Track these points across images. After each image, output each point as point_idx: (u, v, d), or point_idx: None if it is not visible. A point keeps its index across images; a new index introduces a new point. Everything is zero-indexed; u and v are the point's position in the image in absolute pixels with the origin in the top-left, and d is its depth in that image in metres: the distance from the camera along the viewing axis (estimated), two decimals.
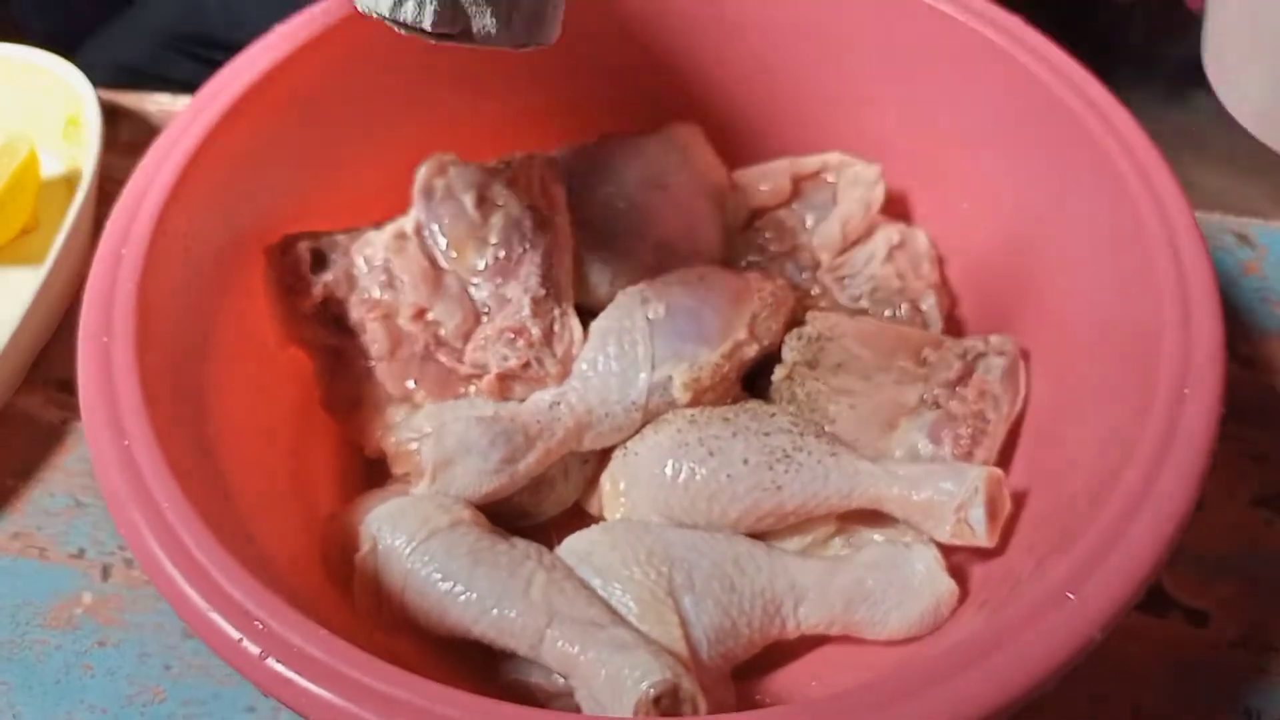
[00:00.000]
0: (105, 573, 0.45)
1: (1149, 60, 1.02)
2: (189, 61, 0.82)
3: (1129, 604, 0.31)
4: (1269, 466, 0.47)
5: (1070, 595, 0.30)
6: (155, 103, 0.62)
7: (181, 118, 0.43)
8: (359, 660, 0.30)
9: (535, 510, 0.44)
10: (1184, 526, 0.32)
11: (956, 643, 0.30)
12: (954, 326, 0.49)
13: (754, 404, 0.44)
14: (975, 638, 0.30)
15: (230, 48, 0.46)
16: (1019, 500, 0.41)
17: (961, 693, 0.29)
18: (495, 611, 0.37)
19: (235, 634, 0.30)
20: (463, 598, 0.38)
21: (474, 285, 0.46)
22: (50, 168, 0.58)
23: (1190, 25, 0.97)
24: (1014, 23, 0.46)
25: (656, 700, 0.34)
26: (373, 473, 0.46)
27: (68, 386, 0.50)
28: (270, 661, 0.30)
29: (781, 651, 0.41)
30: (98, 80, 0.57)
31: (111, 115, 0.60)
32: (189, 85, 0.45)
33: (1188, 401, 0.34)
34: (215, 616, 0.31)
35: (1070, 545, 0.32)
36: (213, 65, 0.45)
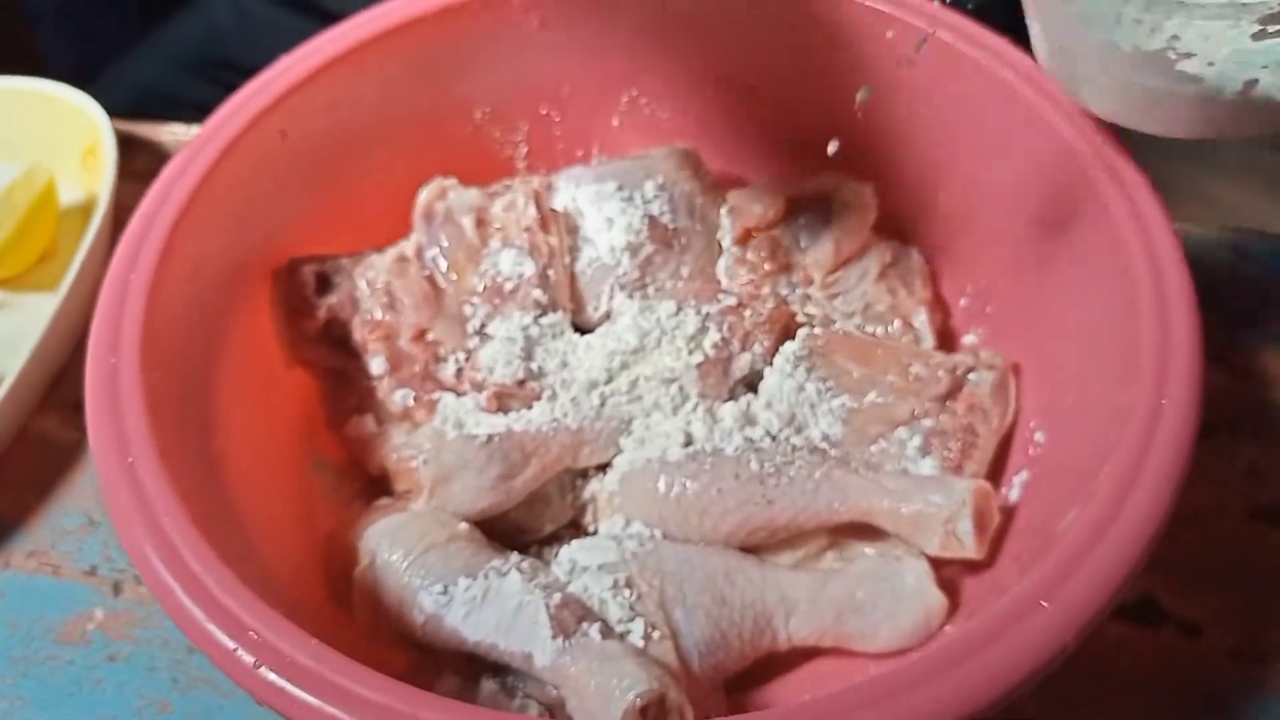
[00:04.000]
0: (116, 589, 0.47)
1: None
2: (208, 84, 0.84)
3: (1103, 612, 0.31)
4: (1262, 479, 0.47)
5: (1045, 603, 0.31)
6: (170, 132, 0.64)
7: (190, 146, 0.45)
8: (349, 669, 0.31)
9: (532, 526, 0.44)
10: (1159, 536, 0.32)
11: (931, 650, 0.31)
12: (947, 342, 0.49)
13: (745, 417, 0.44)
14: (950, 645, 0.30)
15: (247, 70, 0.48)
16: (1008, 512, 0.41)
17: (935, 699, 0.29)
18: (490, 625, 0.38)
19: (230, 644, 0.31)
20: (458, 611, 0.39)
21: (472, 305, 0.47)
22: (68, 196, 0.60)
23: None
24: (1002, 44, 0.46)
25: (643, 710, 0.35)
26: (376, 490, 0.47)
27: (82, 408, 0.51)
28: (263, 670, 0.31)
29: (774, 664, 0.41)
30: (119, 104, 0.59)
31: (127, 145, 0.62)
32: (207, 108, 0.46)
33: (1164, 413, 0.34)
34: (211, 627, 0.32)
35: (1049, 554, 0.33)
36: (230, 88, 0.47)
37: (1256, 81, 0.35)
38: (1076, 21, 0.37)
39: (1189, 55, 0.35)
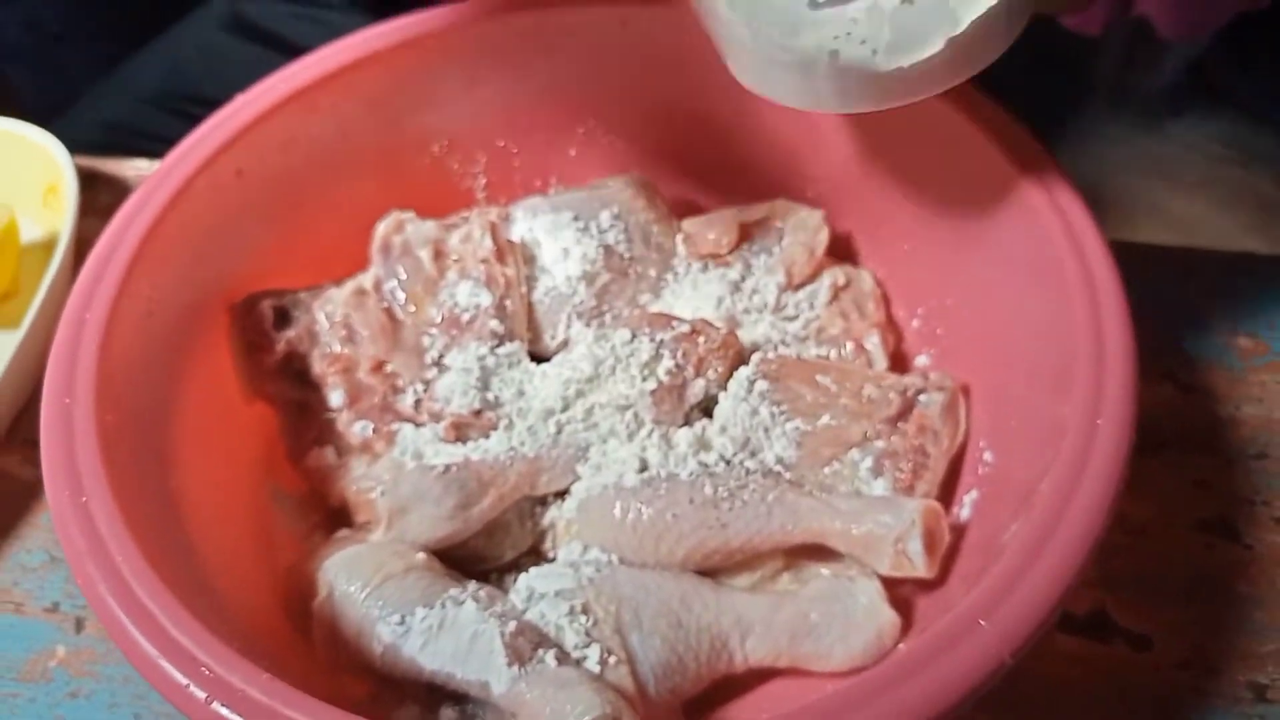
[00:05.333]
0: (79, 626, 0.47)
1: (1121, 90, 1.04)
2: (175, 119, 0.84)
3: (1040, 629, 0.32)
4: (1211, 492, 0.48)
5: (982, 622, 0.32)
6: (134, 168, 0.64)
7: (145, 185, 0.45)
8: (302, 703, 0.31)
9: (492, 554, 0.45)
10: (1094, 554, 0.33)
11: (875, 670, 0.31)
12: (899, 364, 0.50)
13: (700, 442, 0.45)
14: (889, 665, 0.31)
15: (214, 104, 0.48)
16: (959, 531, 0.42)
17: (877, 717, 0.30)
18: (446, 654, 0.39)
19: (183, 679, 0.32)
20: (415, 641, 0.39)
21: (430, 336, 0.48)
22: (30, 234, 0.60)
23: (1162, 55, 0.99)
24: None
25: None
26: (337, 522, 0.47)
27: None
28: (215, 705, 0.31)
29: (731, 686, 0.42)
30: (87, 140, 0.59)
31: (91, 181, 0.62)
32: (175, 141, 0.47)
33: (1099, 432, 0.35)
34: (164, 663, 0.32)
35: (988, 572, 0.33)
36: (196, 120, 0.47)
37: (838, 52, 0.36)
38: None
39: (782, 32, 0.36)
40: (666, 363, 0.46)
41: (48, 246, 0.60)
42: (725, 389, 0.47)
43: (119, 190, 0.63)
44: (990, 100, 0.46)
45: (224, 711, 0.31)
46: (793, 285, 0.50)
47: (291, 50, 0.50)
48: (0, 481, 0.51)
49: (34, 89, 1.01)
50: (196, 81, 0.85)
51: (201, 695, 0.31)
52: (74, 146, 0.60)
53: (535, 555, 0.46)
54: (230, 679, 0.31)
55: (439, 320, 0.48)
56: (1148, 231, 0.85)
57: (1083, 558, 0.33)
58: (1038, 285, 0.41)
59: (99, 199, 0.62)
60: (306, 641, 0.42)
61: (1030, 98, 0.47)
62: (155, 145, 0.67)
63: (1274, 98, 0.91)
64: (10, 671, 0.45)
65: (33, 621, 0.47)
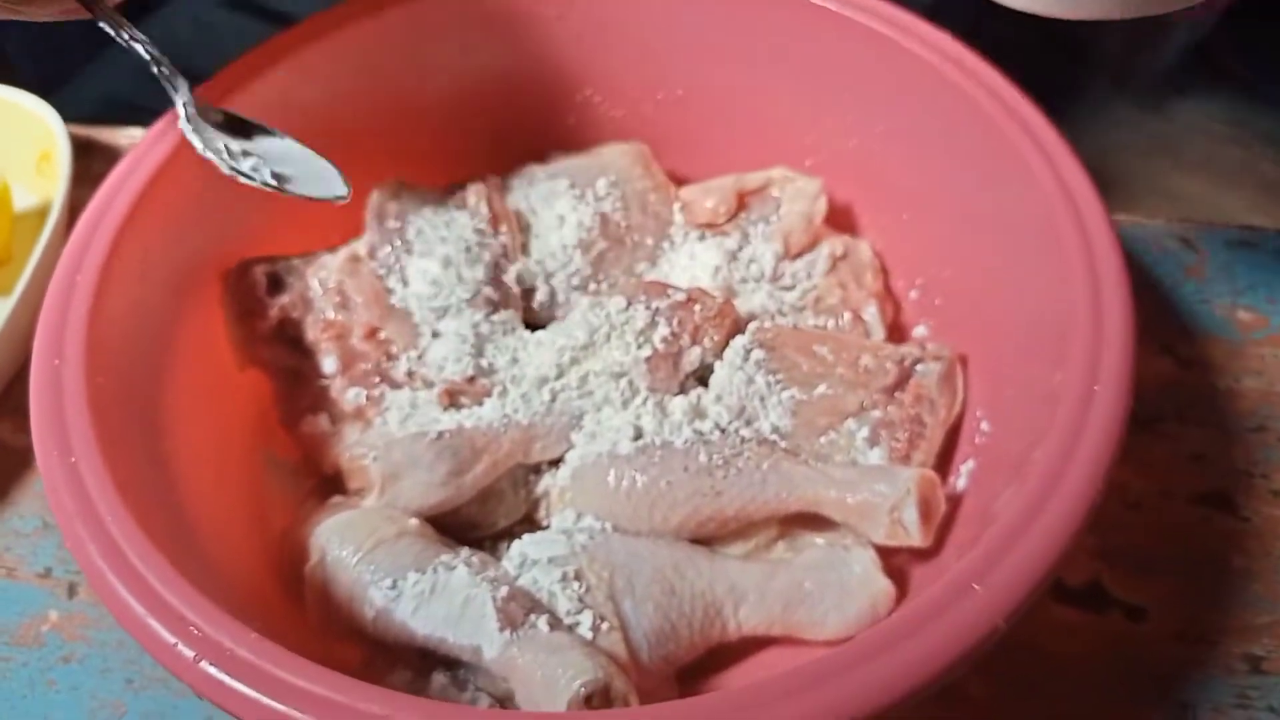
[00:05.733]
0: (71, 591, 0.47)
1: (1126, 70, 1.04)
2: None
3: (1034, 594, 0.31)
4: (1207, 465, 0.48)
5: (976, 586, 0.31)
6: (127, 136, 0.64)
7: (138, 148, 0.45)
8: (289, 662, 0.31)
9: (485, 521, 0.45)
10: (1089, 520, 0.33)
11: (868, 633, 0.31)
12: (897, 334, 0.50)
13: (695, 410, 0.45)
14: (883, 628, 0.31)
15: (205, 75, 0.48)
16: (955, 500, 0.42)
17: (870, 680, 0.30)
18: (438, 618, 0.39)
19: (171, 638, 0.31)
20: (407, 605, 0.39)
21: (424, 303, 0.47)
22: (23, 202, 0.60)
23: (1165, 35, 0.98)
24: (947, 41, 0.47)
25: (588, 699, 0.35)
26: (330, 489, 0.47)
27: None
28: (203, 664, 0.31)
29: (725, 654, 0.42)
30: (83, 114, 0.59)
31: (85, 149, 0.62)
32: None
33: (1096, 399, 0.35)
34: (153, 622, 0.32)
35: (982, 538, 0.33)
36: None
37: None
38: None
39: None
40: (662, 330, 0.45)
41: (41, 214, 0.59)
42: (721, 358, 0.46)
43: (112, 159, 0.63)
44: (993, 69, 0.45)
45: (212, 670, 0.31)
46: (790, 255, 0.50)
47: (286, 23, 0.50)
48: None
49: (31, 62, 1.01)
50: (191, 55, 0.84)
51: (190, 654, 0.31)
52: (71, 120, 0.59)
53: (528, 523, 0.45)
54: (219, 638, 0.31)
55: (434, 286, 0.47)
56: (1149, 211, 0.85)
57: (1078, 522, 0.32)
58: (1037, 255, 0.41)
59: (93, 167, 0.62)
60: (298, 608, 0.42)
61: (1034, 77, 0.46)
62: (151, 119, 0.66)
63: (1276, 78, 0.91)
64: (3, 636, 0.45)
65: (25, 586, 0.47)
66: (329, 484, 0.47)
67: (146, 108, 0.84)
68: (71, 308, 0.39)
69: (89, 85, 0.88)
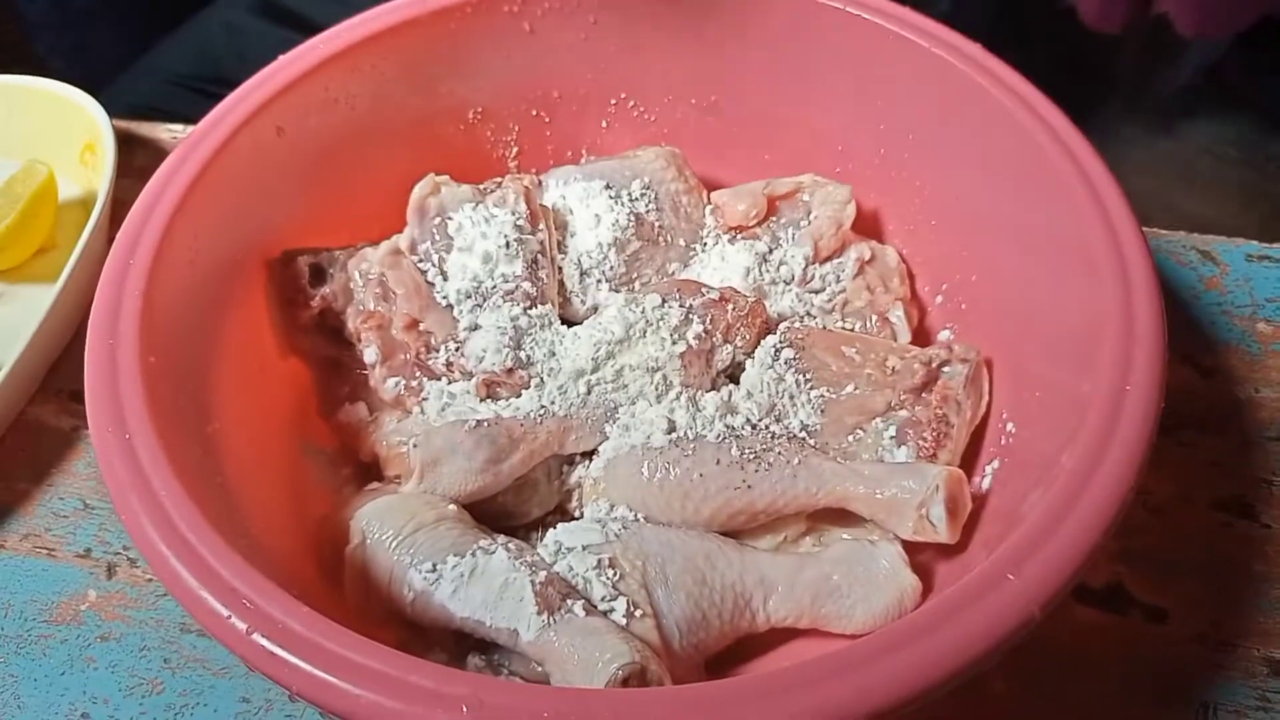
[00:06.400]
0: (110, 571, 0.47)
1: (1139, 91, 1.05)
2: (201, 99, 0.85)
3: (1068, 584, 0.32)
4: (1227, 472, 0.48)
5: (1011, 576, 0.32)
6: (168, 130, 0.65)
7: (189, 139, 0.46)
8: (340, 635, 0.32)
9: (519, 511, 0.45)
10: (1122, 513, 0.34)
11: (902, 621, 0.32)
12: (922, 338, 0.51)
13: (726, 406, 0.46)
14: (921, 616, 0.32)
15: (237, 80, 0.49)
16: (980, 499, 0.43)
17: (906, 666, 0.31)
18: (477, 601, 0.39)
19: (224, 610, 0.32)
20: (446, 588, 0.40)
21: (463, 297, 0.48)
22: (68, 191, 0.61)
23: (1179, 57, 0.99)
24: (976, 50, 0.48)
25: (624, 682, 0.36)
26: (367, 476, 0.48)
27: (78, 397, 0.53)
28: (256, 636, 0.32)
29: (753, 644, 0.42)
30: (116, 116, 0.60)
31: (127, 142, 0.63)
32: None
33: (1128, 398, 0.36)
34: (205, 594, 0.33)
35: (1015, 531, 0.34)
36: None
37: None
38: None
39: None
40: (696, 327, 0.46)
41: (84, 204, 0.61)
42: (752, 356, 0.47)
43: (154, 152, 0.64)
44: (1023, 78, 0.46)
45: (264, 642, 0.32)
46: (819, 258, 0.51)
47: (315, 31, 0.51)
48: (35, 430, 0.52)
49: (66, 68, 1.02)
50: (224, 64, 0.86)
51: (242, 626, 0.32)
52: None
53: (561, 514, 0.46)
54: (271, 611, 0.32)
55: (473, 280, 0.48)
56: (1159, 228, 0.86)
57: (1111, 514, 0.33)
58: (1067, 261, 0.42)
59: (135, 160, 0.63)
60: (336, 591, 0.42)
61: (1049, 98, 0.47)
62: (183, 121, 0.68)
63: None
64: (42, 614, 0.46)
65: (65, 566, 0.48)
66: (366, 471, 0.48)
67: (178, 116, 0.86)
68: (126, 289, 0.40)
69: (121, 94, 0.89)
